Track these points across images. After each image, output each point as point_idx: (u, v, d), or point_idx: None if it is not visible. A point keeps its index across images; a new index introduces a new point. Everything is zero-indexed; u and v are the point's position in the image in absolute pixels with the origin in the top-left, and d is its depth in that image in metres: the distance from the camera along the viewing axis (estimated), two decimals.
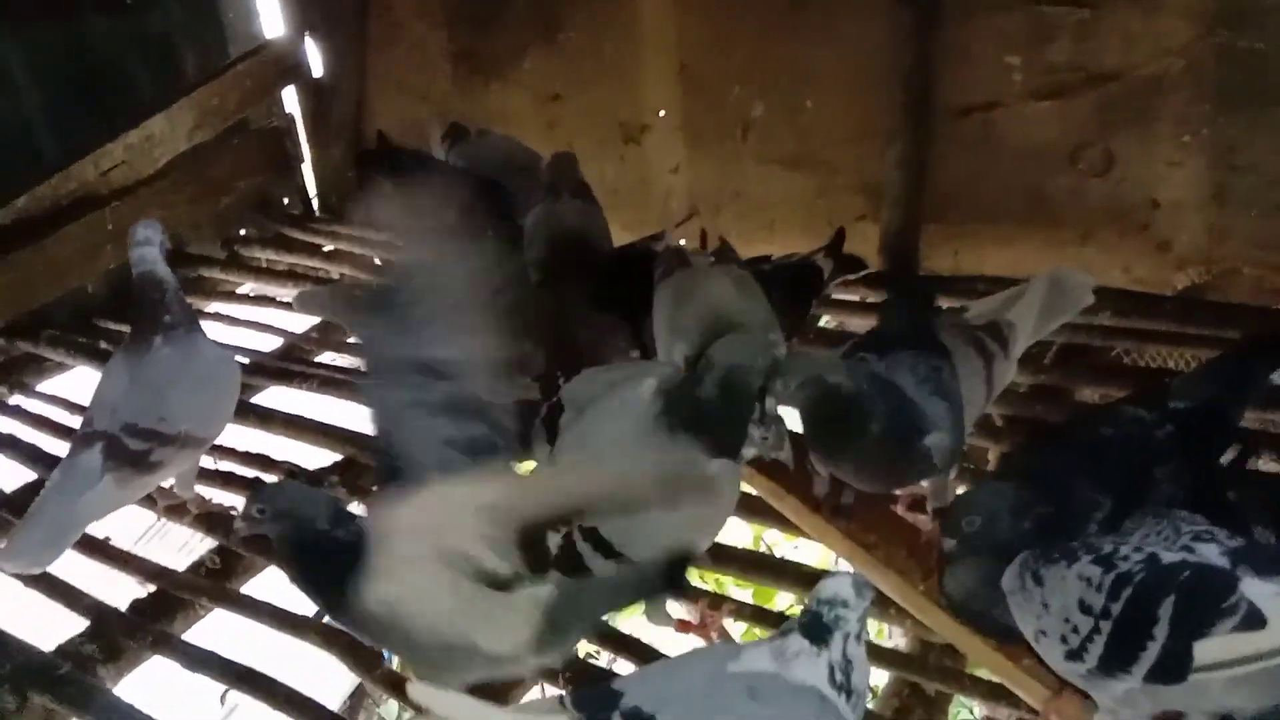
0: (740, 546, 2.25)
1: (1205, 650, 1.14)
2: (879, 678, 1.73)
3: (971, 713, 3.95)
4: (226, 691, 1.87)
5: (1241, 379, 1.63)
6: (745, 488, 2.03)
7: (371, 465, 2.32)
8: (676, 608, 1.78)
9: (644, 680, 1.29)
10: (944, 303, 2.84)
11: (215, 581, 2.06)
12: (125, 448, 1.88)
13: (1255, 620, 1.10)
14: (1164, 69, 2.63)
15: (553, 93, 3.50)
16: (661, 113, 3.36)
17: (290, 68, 3.76)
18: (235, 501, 2.24)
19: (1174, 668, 1.16)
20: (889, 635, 2.73)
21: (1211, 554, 1.19)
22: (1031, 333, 1.95)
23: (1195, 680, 1.17)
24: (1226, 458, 1.59)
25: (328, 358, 2.96)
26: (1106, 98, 2.72)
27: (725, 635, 1.78)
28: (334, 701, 4.38)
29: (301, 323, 3.11)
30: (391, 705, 3.49)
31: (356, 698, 5.18)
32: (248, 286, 3.54)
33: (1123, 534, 1.29)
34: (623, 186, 3.42)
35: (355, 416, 2.59)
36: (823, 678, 1.19)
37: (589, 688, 1.27)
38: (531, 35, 3.47)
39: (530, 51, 3.49)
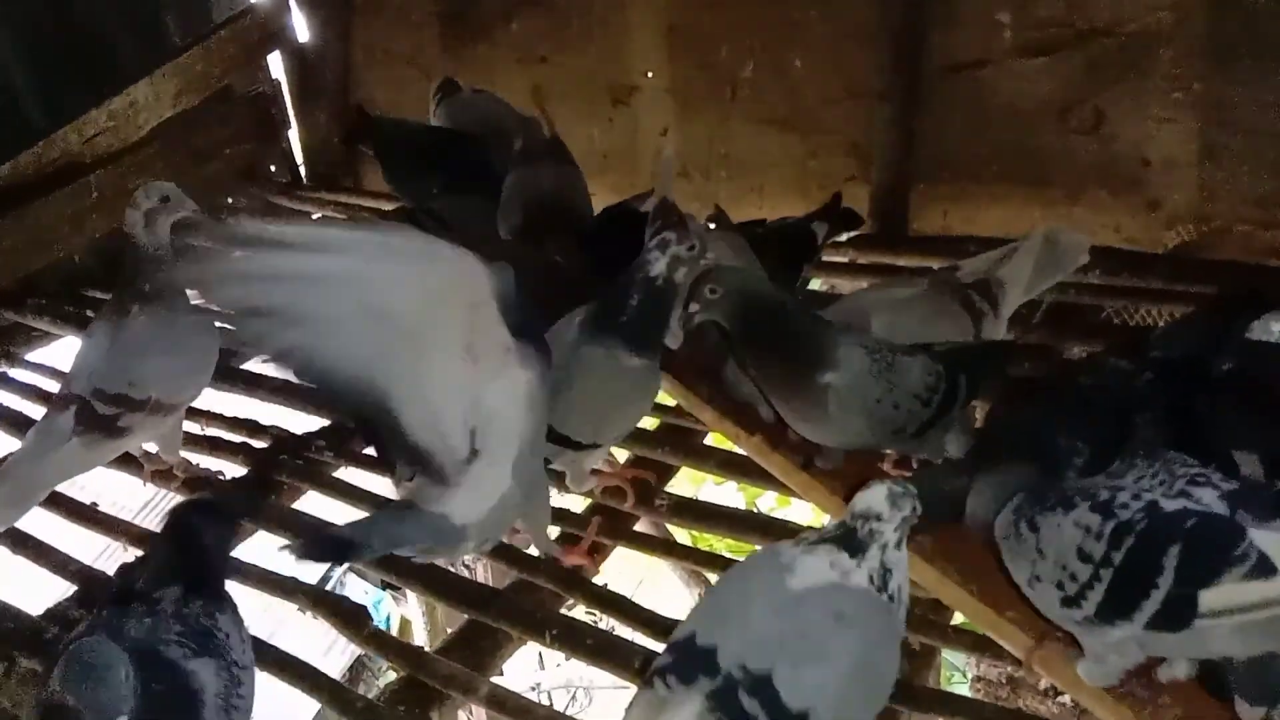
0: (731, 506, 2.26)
1: (1212, 598, 1.14)
2: None
3: (964, 675, 3.99)
4: None
5: (1220, 331, 1.62)
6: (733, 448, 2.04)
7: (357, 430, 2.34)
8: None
9: (715, 624, 1.22)
10: (938, 264, 2.85)
11: None
12: (94, 412, 1.89)
13: (1266, 568, 1.11)
14: (1154, 24, 2.60)
15: (540, 55, 3.47)
16: (650, 74, 3.33)
17: (275, 33, 3.72)
18: (222, 466, 2.25)
19: (1178, 615, 1.16)
20: None
21: (1210, 498, 1.18)
22: (1024, 292, 1.94)
23: (1197, 628, 1.17)
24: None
25: None
26: (1096, 54, 2.70)
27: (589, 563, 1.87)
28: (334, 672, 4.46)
29: None
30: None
31: (356, 670, 5.24)
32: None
33: (1113, 475, 1.28)
34: (612, 149, 3.40)
35: None
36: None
37: (671, 654, 1.22)
38: None
39: (518, 13, 3.47)
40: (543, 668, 5.62)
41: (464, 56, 3.58)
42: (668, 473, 2.22)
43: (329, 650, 4.54)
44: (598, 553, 1.91)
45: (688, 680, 1.15)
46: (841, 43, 3.00)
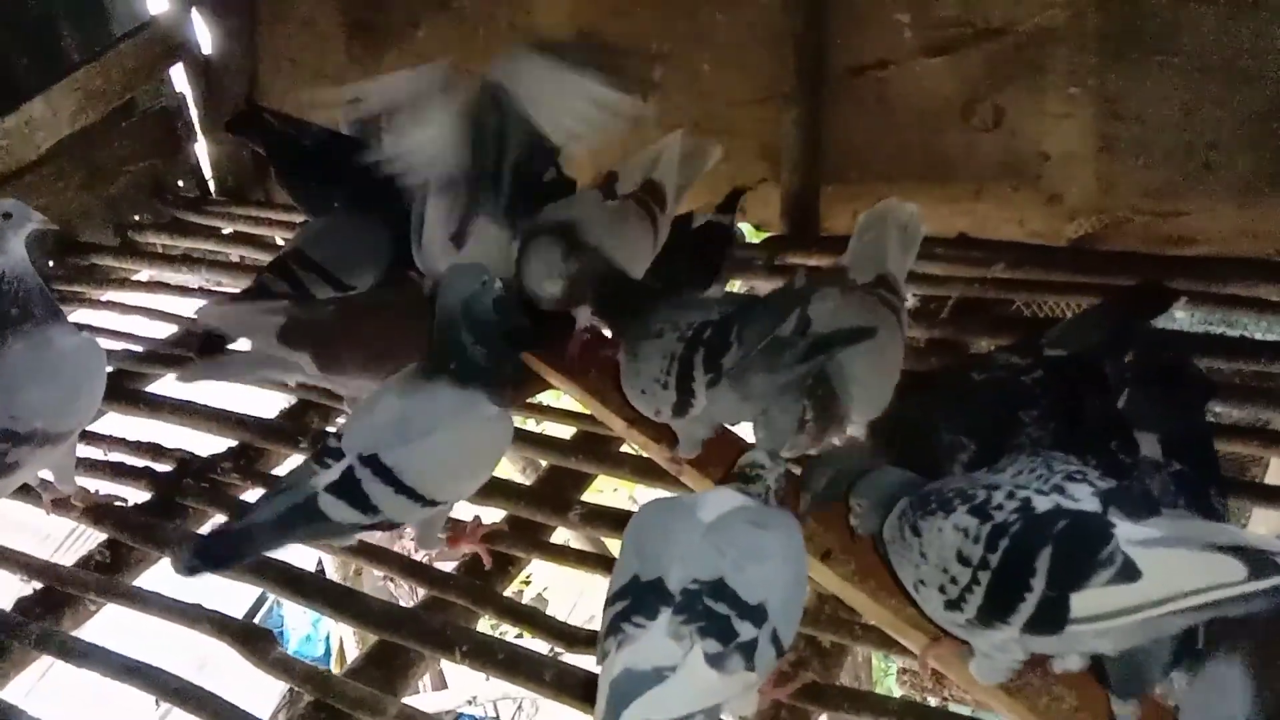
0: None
1: (1082, 602, 1.14)
2: None
3: (885, 668, 4.05)
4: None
5: (1116, 327, 1.65)
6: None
7: (267, 449, 2.30)
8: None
9: (649, 563, 1.26)
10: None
11: (105, 576, 2.00)
12: None
13: (1130, 573, 1.10)
14: (1048, 22, 2.67)
15: (449, 62, 3.42)
16: None
17: (177, 46, 3.63)
18: (127, 493, 2.19)
19: (1051, 619, 1.17)
20: None
21: (1083, 495, 1.19)
22: (904, 274, 1.98)
23: (1073, 634, 1.18)
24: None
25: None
26: (994, 52, 2.75)
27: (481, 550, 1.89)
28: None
29: (198, 307, 3.02)
30: None
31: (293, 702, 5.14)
32: (144, 273, 3.43)
33: (995, 471, 1.29)
34: None
35: (247, 400, 2.55)
36: None
37: (622, 600, 1.24)
38: (424, 4, 3.40)
39: (424, 20, 3.43)
40: (488, 679, 5.55)
41: (372, 66, 3.52)
42: (583, 481, 2.21)
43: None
44: (489, 543, 1.90)
45: (651, 614, 1.20)
46: (748, 47, 3.02)
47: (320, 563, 4.30)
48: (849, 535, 1.54)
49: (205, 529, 2.11)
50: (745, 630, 1.19)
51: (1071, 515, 1.17)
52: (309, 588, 1.82)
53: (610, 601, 1.24)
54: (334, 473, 1.58)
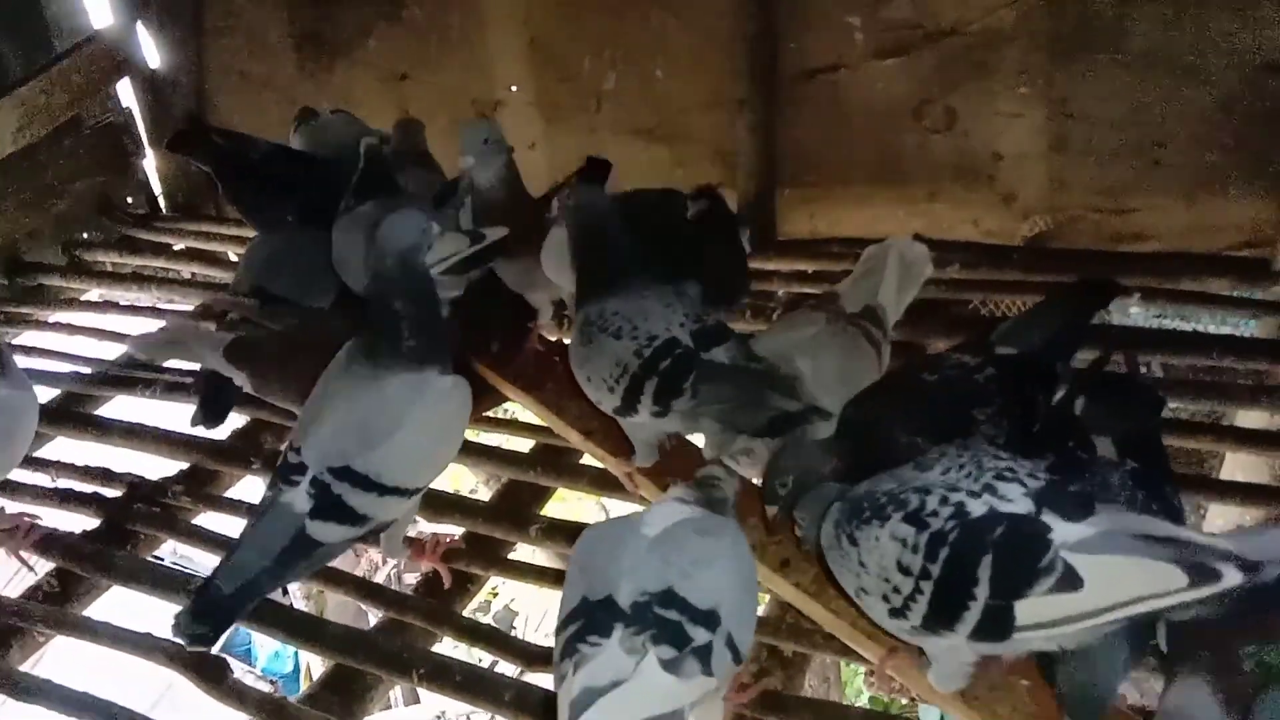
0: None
1: (1026, 610, 1.13)
2: None
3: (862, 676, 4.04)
4: None
5: (1064, 324, 1.66)
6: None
7: (219, 470, 2.25)
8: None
9: (598, 582, 1.24)
10: (807, 267, 2.88)
11: (54, 606, 1.95)
12: None
13: (1073, 581, 1.10)
14: (996, 23, 2.68)
15: (400, 72, 3.41)
16: (514, 88, 3.29)
17: (122, 61, 3.57)
18: (76, 520, 2.14)
19: (997, 627, 1.16)
20: None
21: (1015, 495, 1.18)
22: (898, 312, 1.97)
23: (1020, 640, 1.18)
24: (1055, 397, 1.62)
25: (174, 361, 2.83)
26: (945, 53, 2.76)
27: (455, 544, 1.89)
28: None
29: (149, 327, 2.97)
30: None
31: None
32: (93, 293, 3.37)
33: (923, 467, 1.28)
34: None
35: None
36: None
37: (575, 622, 1.22)
38: (374, 14, 3.37)
39: (375, 30, 3.39)
40: None
41: (322, 78, 3.49)
42: (543, 495, 2.19)
43: None
44: (448, 561, 1.88)
45: (605, 632, 1.18)
46: (701, 52, 3.01)
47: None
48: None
49: (159, 553, 2.07)
50: (699, 635, 1.18)
51: (1007, 520, 1.16)
52: (262, 612, 1.79)
53: (562, 626, 1.23)
54: (304, 492, 1.51)
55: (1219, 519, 2.49)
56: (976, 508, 1.18)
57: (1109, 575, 1.09)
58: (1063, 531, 1.13)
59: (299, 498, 1.52)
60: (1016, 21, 2.67)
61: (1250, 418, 2.41)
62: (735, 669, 1.25)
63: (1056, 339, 1.63)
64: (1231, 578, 1.03)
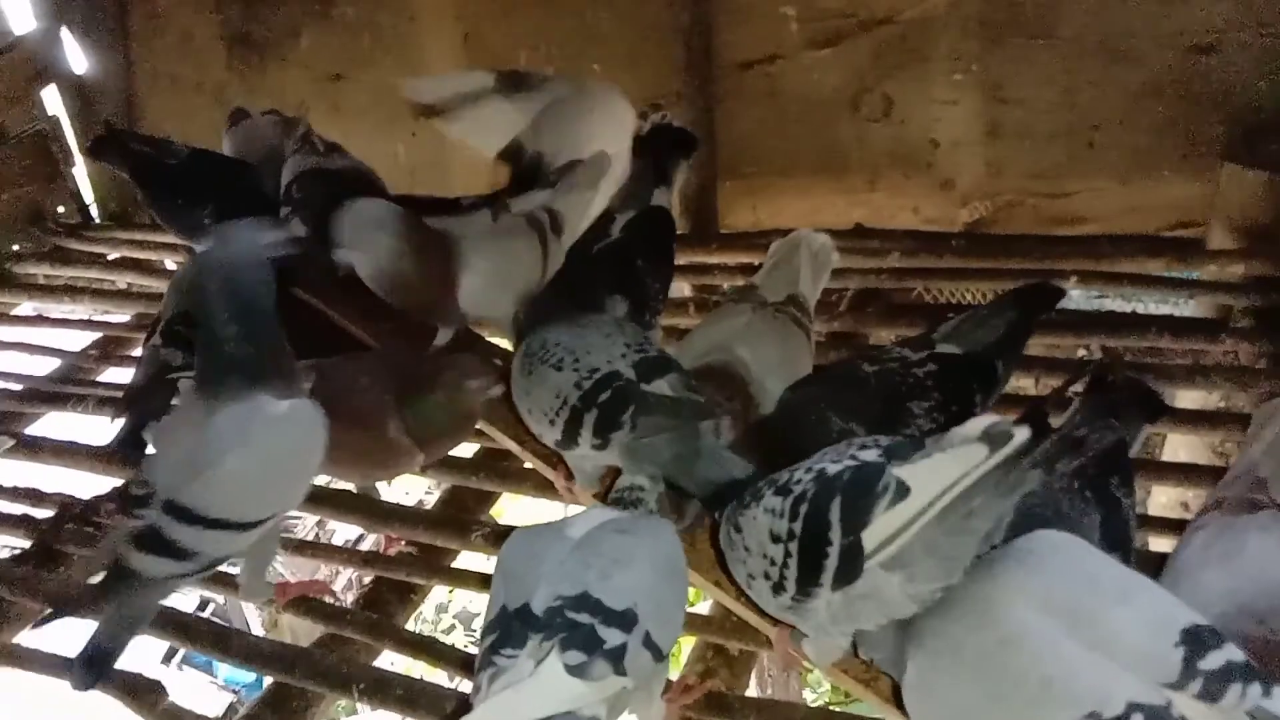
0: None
1: (871, 535, 1.16)
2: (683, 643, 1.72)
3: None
4: None
5: (1007, 325, 1.66)
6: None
7: None
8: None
9: (516, 590, 1.21)
10: (751, 259, 2.86)
11: None
12: None
13: (902, 491, 1.14)
14: (929, 10, 2.69)
15: (334, 73, 3.35)
16: None
17: (46, 66, 3.48)
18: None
19: (851, 563, 1.18)
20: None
21: (870, 456, 1.22)
22: (812, 301, 1.97)
23: (871, 574, 1.18)
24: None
25: (109, 375, 2.77)
26: (880, 42, 2.77)
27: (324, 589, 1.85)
28: None
29: (81, 340, 2.90)
30: None
31: None
32: (24, 306, 3.29)
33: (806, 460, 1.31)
34: (419, 163, 3.31)
35: None
36: None
37: (493, 632, 1.19)
38: (304, 13, 3.31)
39: (306, 30, 3.33)
40: None
41: (254, 79, 3.42)
42: (487, 499, 2.17)
43: None
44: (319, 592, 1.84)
45: (519, 643, 1.15)
46: (637, 45, 2.99)
47: None
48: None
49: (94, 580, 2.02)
50: (612, 637, 1.15)
51: (855, 467, 1.21)
52: (194, 631, 1.75)
53: (483, 636, 1.21)
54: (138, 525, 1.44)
55: (1162, 497, 2.52)
56: (833, 468, 1.22)
57: (929, 473, 1.13)
58: (899, 465, 1.17)
59: (127, 528, 1.46)
60: (948, 8, 2.68)
61: (1189, 397, 2.44)
62: (657, 667, 1.23)
63: (999, 339, 1.63)
64: (1021, 435, 1.06)
